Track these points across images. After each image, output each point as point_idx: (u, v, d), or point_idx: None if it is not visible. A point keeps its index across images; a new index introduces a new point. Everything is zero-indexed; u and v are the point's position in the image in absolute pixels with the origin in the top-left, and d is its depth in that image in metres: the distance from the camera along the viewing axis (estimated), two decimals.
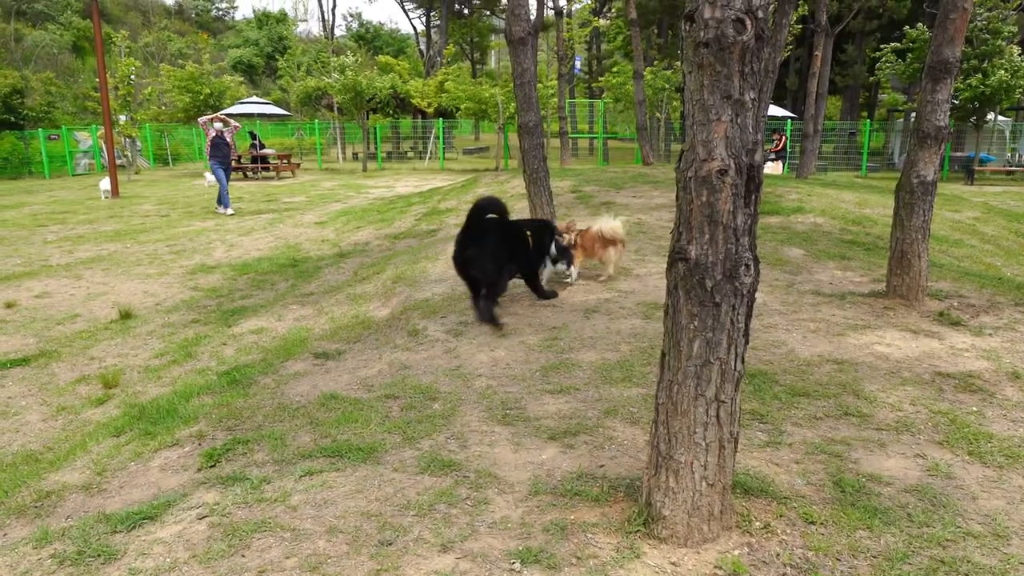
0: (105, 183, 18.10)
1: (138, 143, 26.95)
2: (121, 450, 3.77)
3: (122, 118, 24.07)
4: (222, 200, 14.47)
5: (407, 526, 2.56)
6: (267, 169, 23.98)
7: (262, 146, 24.90)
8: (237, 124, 15.52)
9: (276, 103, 33.00)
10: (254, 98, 30.27)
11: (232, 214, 14.23)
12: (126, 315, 7.30)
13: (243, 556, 2.42)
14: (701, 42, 2.19)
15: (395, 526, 2.56)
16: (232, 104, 26.90)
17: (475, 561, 2.35)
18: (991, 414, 3.53)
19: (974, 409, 3.58)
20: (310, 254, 10.15)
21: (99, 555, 2.51)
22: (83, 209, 15.71)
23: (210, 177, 15.39)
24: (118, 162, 21.51)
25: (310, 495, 2.81)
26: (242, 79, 31.74)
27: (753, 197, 2.30)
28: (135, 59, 27.82)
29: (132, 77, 24.97)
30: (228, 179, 14.64)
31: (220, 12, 68.02)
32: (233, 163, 18.88)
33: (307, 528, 2.57)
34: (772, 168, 18.92)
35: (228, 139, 14.68)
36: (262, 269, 9.28)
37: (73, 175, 25.66)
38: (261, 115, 29.55)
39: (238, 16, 65.66)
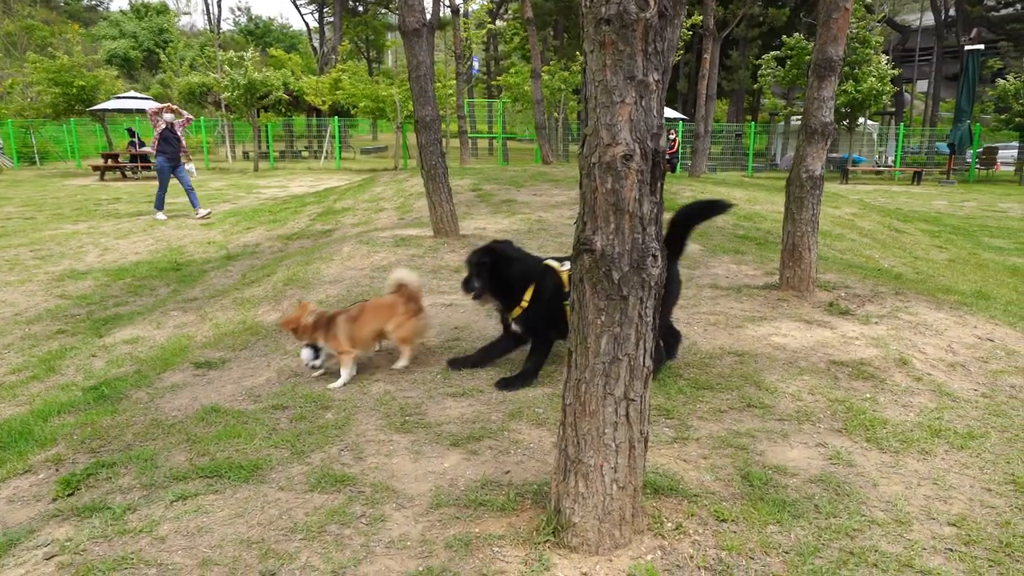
0: None
1: None
2: None
3: None
4: (192, 202, 12.90)
5: (293, 552, 2.30)
6: (148, 168, 22.52)
7: (142, 144, 23.36)
8: (190, 116, 13.54)
9: (157, 99, 31.08)
10: (132, 92, 28.37)
11: (208, 214, 12.72)
12: None
13: None
14: (602, 18, 2.06)
15: (279, 553, 2.29)
16: (107, 99, 25.11)
17: None
18: (883, 400, 3.62)
19: (868, 396, 3.66)
20: (194, 257, 9.51)
21: None
22: None
23: (192, 167, 13.14)
24: None
25: (182, 523, 2.50)
26: (117, 73, 29.67)
27: (659, 184, 2.20)
28: None
29: None
30: (168, 179, 12.85)
31: (93, 2, 63.67)
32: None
33: (176, 562, 2.26)
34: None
35: (179, 132, 12.90)
36: (140, 274, 8.60)
37: None
38: (140, 111, 27.73)
39: (113, 7, 61.59)
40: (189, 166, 13.27)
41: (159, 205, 12.91)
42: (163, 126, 12.70)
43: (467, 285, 4.00)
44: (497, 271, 3.91)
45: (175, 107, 13.21)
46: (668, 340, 4.09)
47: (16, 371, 5.44)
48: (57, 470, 3.15)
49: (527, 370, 3.86)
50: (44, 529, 2.56)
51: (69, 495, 2.88)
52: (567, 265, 3.83)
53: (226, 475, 2.85)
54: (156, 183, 13.03)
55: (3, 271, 8.80)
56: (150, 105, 13.03)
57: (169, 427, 3.47)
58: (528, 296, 3.84)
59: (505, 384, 3.78)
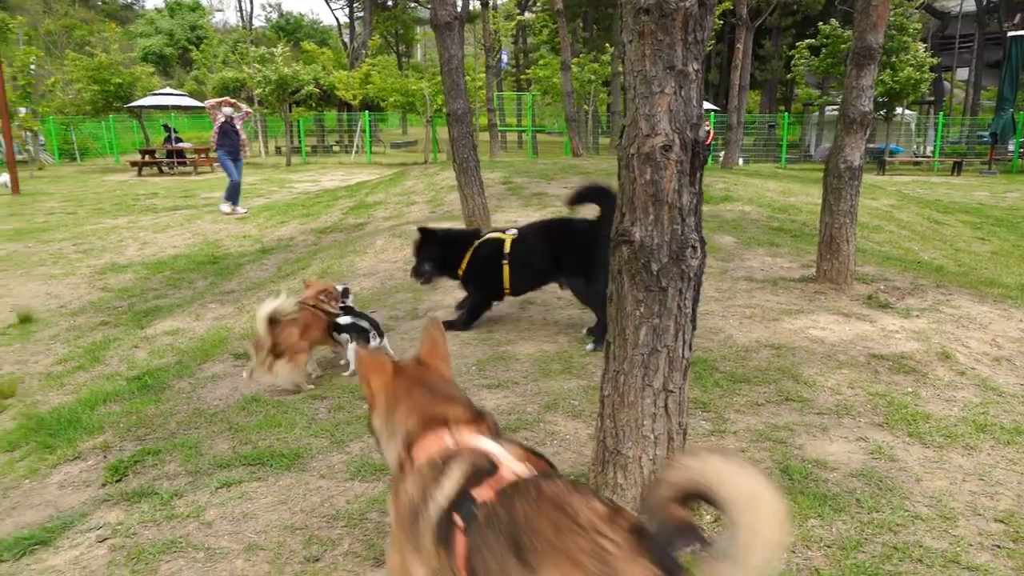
0: (3, 176, 16.93)
1: (41, 137, 25.34)
2: (15, 466, 3.40)
3: (22, 111, 22.59)
4: (230, 196, 12.81)
5: (336, 539, 2.34)
6: (184, 163, 22.92)
7: (178, 139, 23.78)
8: (248, 110, 13.46)
9: (191, 95, 31.60)
10: (168, 89, 28.86)
11: (244, 214, 12.52)
12: (26, 319, 6.73)
13: None
14: (642, 8, 2.05)
15: (323, 539, 2.34)
16: (144, 95, 25.59)
17: None
18: (926, 394, 3.56)
19: (909, 390, 3.60)
20: (231, 250, 9.66)
21: None
22: None
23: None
24: (18, 157, 20.16)
25: (227, 509, 2.56)
26: (153, 70, 30.22)
27: (698, 175, 2.19)
28: (35, 48, 26.18)
29: (32, 67, 23.47)
30: (240, 172, 12.86)
31: (129, 0, 64.82)
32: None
33: (223, 546, 2.32)
34: None
35: (238, 126, 12.81)
36: (179, 267, 8.77)
37: None
38: (176, 107, 28.21)
39: (148, 4, 62.66)
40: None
41: (233, 199, 12.85)
42: (222, 120, 12.68)
43: (416, 272, 4.65)
44: (433, 249, 4.60)
45: (233, 101, 13.18)
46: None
47: (63, 361, 5.59)
48: (105, 457, 3.24)
49: (461, 319, 4.63)
50: (96, 513, 2.64)
51: (117, 481, 2.96)
52: (511, 231, 4.60)
53: (268, 463, 2.91)
54: (192, 178, 13.23)
55: (48, 264, 9.04)
56: (209, 101, 13.03)
57: (211, 416, 3.55)
58: (465, 262, 4.55)
59: (448, 326, 4.48)
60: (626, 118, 2.19)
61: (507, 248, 4.52)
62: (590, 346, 4.24)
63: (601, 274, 3.38)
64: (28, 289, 7.90)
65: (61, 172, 23.73)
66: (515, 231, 4.63)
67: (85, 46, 31.27)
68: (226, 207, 12.84)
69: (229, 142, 12.75)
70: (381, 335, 3.99)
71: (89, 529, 2.51)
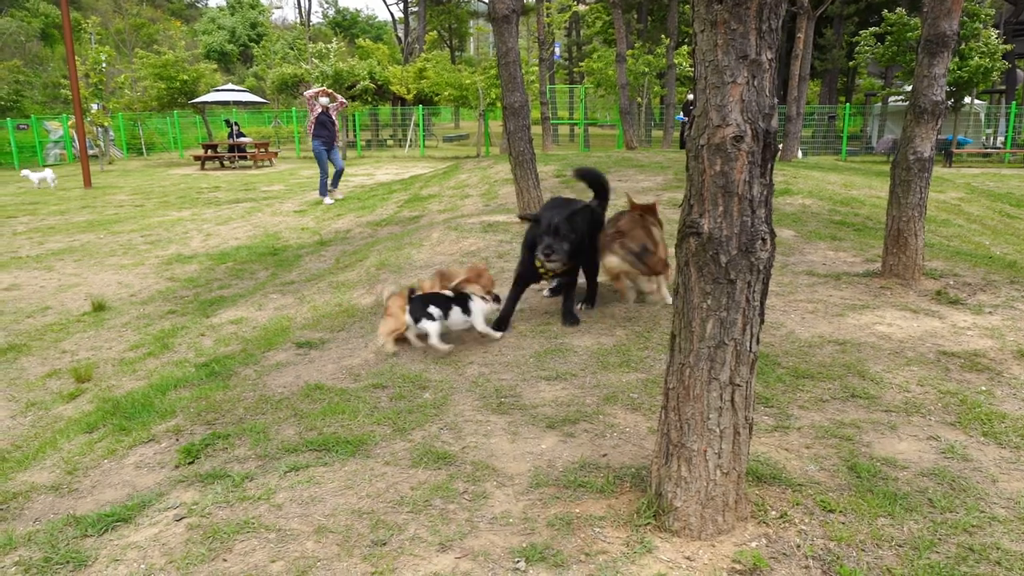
0: (35, 173, 17.63)
1: (111, 132, 26.34)
2: (94, 447, 3.56)
3: (94, 107, 23.50)
4: (333, 183, 13.18)
5: (402, 524, 2.39)
6: (244, 158, 23.55)
7: (240, 134, 24.43)
8: (344, 100, 13.66)
9: (251, 90, 32.38)
10: (229, 85, 29.65)
11: (341, 198, 12.93)
12: (99, 307, 7.04)
13: (225, 560, 2.24)
14: None
15: (389, 524, 2.39)
16: (207, 91, 26.34)
17: (476, 560, 2.19)
18: (1000, 393, 3.43)
19: (983, 388, 3.48)
20: (290, 242, 9.90)
21: (68, 562, 2.32)
22: (54, 200, 15.29)
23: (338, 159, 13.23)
24: (90, 152, 21.00)
25: (296, 492, 2.63)
26: (216, 67, 31.07)
27: (769, 166, 2.15)
28: (107, 46, 27.18)
29: (104, 65, 24.38)
30: (339, 159, 13.21)
31: None
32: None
33: (294, 528, 2.39)
34: None
35: (334, 116, 13.04)
36: (241, 258, 9.03)
37: (43, 165, 25.01)
38: (237, 103, 28.97)
39: (211, 3, 64.35)
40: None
41: (323, 191, 13.11)
42: (319, 110, 12.86)
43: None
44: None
45: (330, 91, 13.34)
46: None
47: (134, 348, 5.83)
48: (177, 440, 3.37)
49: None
50: (171, 493, 2.75)
51: (190, 463, 3.08)
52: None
53: (334, 449, 2.99)
54: (252, 171, 13.60)
55: (119, 255, 9.41)
56: (308, 91, 13.27)
57: (277, 403, 3.65)
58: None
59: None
60: (696, 109, 2.17)
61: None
62: (580, 305, 4.80)
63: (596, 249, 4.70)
64: (101, 278, 8.25)
65: (129, 166, 24.64)
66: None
67: (152, 44, 32.36)
68: (336, 194, 13.01)
69: (326, 133, 12.94)
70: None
71: (166, 508, 2.62)
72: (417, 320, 4.07)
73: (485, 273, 4.24)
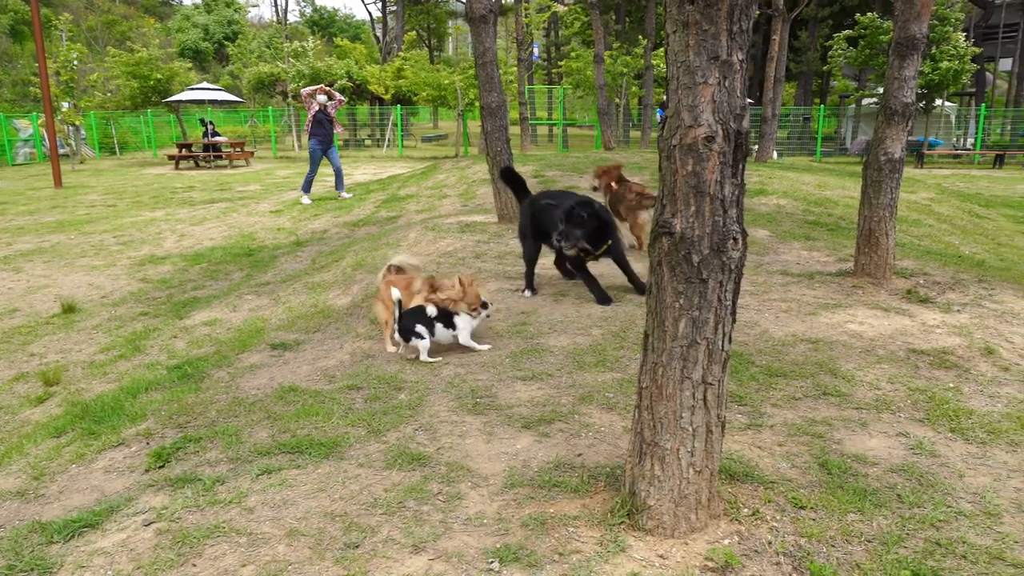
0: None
1: (82, 131, 25.92)
2: (62, 452, 3.50)
3: (65, 105, 23.12)
4: (337, 184, 13.06)
5: (375, 526, 2.37)
6: (220, 157, 23.29)
7: (215, 133, 24.16)
8: (342, 98, 13.38)
9: (227, 89, 32.02)
10: (204, 84, 29.30)
11: (349, 197, 12.72)
12: (69, 309, 6.92)
13: (194, 565, 2.21)
14: None
15: (362, 527, 2.37)
16: (181, 90, 26.02)
17: (450, 561, 2.18)
18: (968, 390, 3.49)
19: (951, 385, 3.53)
20: (266, 243, 9.81)
21: (32, 569, 2.28)
22: (23, 200, 15.01)
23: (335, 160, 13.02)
24: (61, 151, 20.65)
25: (268, 495, 2.61)
26: (191, 65, 30.70)
27: (740, 166, 2.16)
28: (78, 44, 26.75)
29: (75, 62, 23.99)
30: (327, 159, 12.93)
31: None
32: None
33: (265, 532, 2.37)
34: None
35: (332, 114, 12.79)
36: (215, 259, 8.93)
37: (12, 164, 24.56)
38: (212, 102, 28.63)
39: (186, 1, 63.58)
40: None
41: (306, 188, 12.92)
42: (316, 108, 12.64)
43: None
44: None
45: (328, 89, 13.11)
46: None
47: (105, 350, 5.74)
48: (148, 443, 3.32)
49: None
50: (141, 498, 2.70)
51: (160, 467, 3.04)
52: None
53: (307, 451, 2.96)
54: (227, 171, 13.46)
55: (90, 256, 9.26)
56: (305, 89, 13.08)
57: (250, 405, 3.61)
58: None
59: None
60: (668, 109, 2.18)
61: None
62: (527, 293, 5.17)
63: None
64: (71, 280, 8.11)
65: (101, 165, 24.25)
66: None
67: (125, 41, 31.89)
68: (344, 195, 12.89)
69: (323, 131, 12.75)
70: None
71: (135, 513, 2.58)
72: (407, 339, 4.08)
73: (470, 290, 4.19)
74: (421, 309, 4.12)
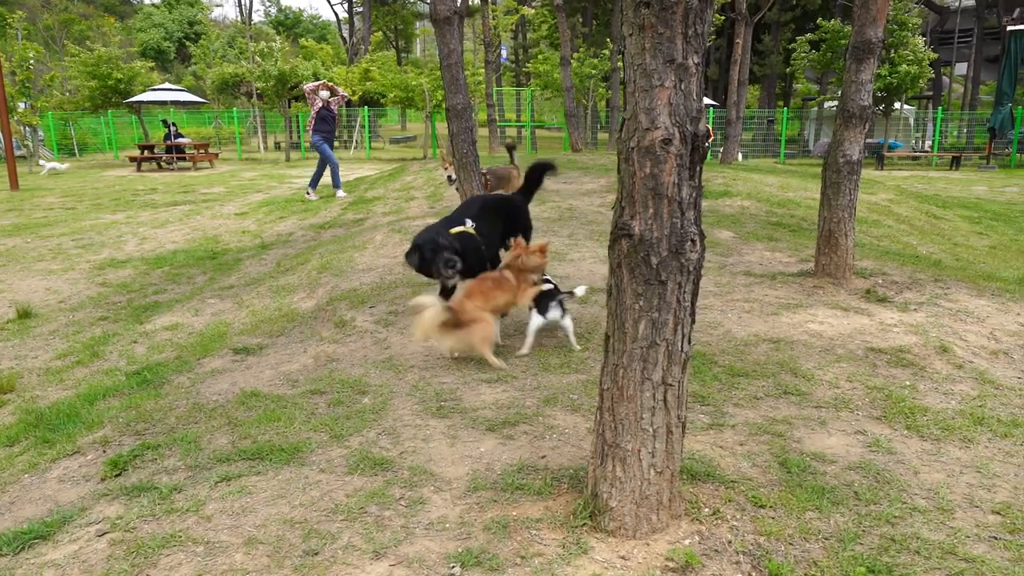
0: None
1: (40, 132, 25.29)
2: (14, 461, 3.41)
3: (21, 105, 22.53)
4: (335, 181, 12.67)
5: (335, 533, 2.35)
6: (183, 159, 22.90)
7: (178, 135, 23.74)
8: (344, 94, 13.18)
9: (190, 90, 31.53)
10: (166, 84, 28.81)
11: (316, 199, 12.35)
12: (24, 314, 6.73)
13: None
14: (642, 1, 2.05)
15: (322, 533, 2.34)
16: (143, 91, 25.53)
17: (411, 567, 2.16)
18: (923, 387, 3.57)
19: (907, 383, 3.61)
20: (230, 246, 9.66)
21: None
22: None
23: (329, 155, 12.63)
24: (18, 153, 20.13)
25: (227, 503, 2.56)
26: (152, 65, 30.15)
27: (698, 168, 2.19)
28: (34, 43, 26.11)
29: (31, 62, 23.41)
30: (318, 153, 12.69)
31: None
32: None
33: (223, 540, 2.33)
34: None
35: (335, 110, 12.58)
36: (178, 262, 8.76)
37: None
38: (175, 102, 28.16)
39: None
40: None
41: (336, 183, 12.72)
42: (320, 104, 12.45)
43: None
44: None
45: (331, 85, 12.89)
46: None
47: (62, 356, 5.60)
48: (104, 451, 3.25)
49: None
50: (95, 507, 2.64)
51: (117, 475, 2.97)
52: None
53: (268, 457, 2.92)
54: (191, 173, 13.20)
55: (47, 260, 9.03)
56: (308, 85, 12.80)
57: (211, 411, 3.55)
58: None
59: None
60: (626, 112, 2.19)
61: None
62: None
63: None
64: (27, 284, 7.90)
65: (60, 167, 23.67)
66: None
67: (84, 41, 31.19)
68: (342, 193, 12.69)
69: (326, 127, 12.58)
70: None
71: (88, 523, 2.52)
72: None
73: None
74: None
